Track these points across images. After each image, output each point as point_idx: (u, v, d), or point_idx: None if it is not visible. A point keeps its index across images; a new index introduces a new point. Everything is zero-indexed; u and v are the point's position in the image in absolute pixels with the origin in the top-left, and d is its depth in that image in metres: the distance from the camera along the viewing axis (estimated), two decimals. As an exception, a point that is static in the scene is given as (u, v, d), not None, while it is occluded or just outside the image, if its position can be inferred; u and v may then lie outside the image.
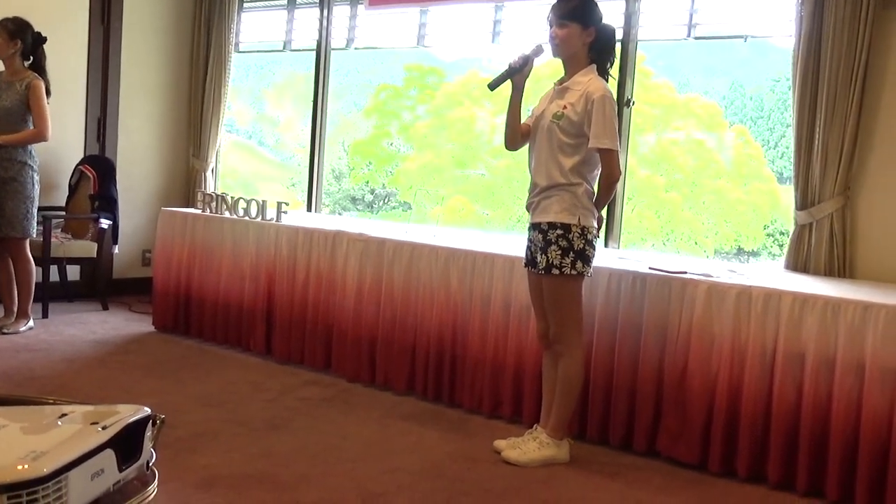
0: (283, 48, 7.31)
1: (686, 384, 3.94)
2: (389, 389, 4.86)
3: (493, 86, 3.90)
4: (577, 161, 3.73)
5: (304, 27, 7.01)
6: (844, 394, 3.57)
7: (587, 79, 3.76)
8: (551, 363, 3.96)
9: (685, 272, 4.05)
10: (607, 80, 3.85)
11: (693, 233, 11.28)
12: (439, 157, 12.34)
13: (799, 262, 4.57)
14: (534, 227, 3.83)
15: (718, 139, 11.79)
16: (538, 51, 3.85)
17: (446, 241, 4.82)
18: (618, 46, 5.23)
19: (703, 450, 3.92)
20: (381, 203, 13.68)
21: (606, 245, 5.34)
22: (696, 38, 5.17)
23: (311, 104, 6.98)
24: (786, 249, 4.71)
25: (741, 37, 5.09)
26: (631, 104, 5.29)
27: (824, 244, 4.46)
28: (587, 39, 3.77)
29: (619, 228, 5.36)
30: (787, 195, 4.77)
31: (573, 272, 3.73)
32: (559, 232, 3.72)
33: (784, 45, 4.72)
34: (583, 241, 3.72)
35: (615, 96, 5.24)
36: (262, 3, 7.42)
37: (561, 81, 3.86)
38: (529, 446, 3.88)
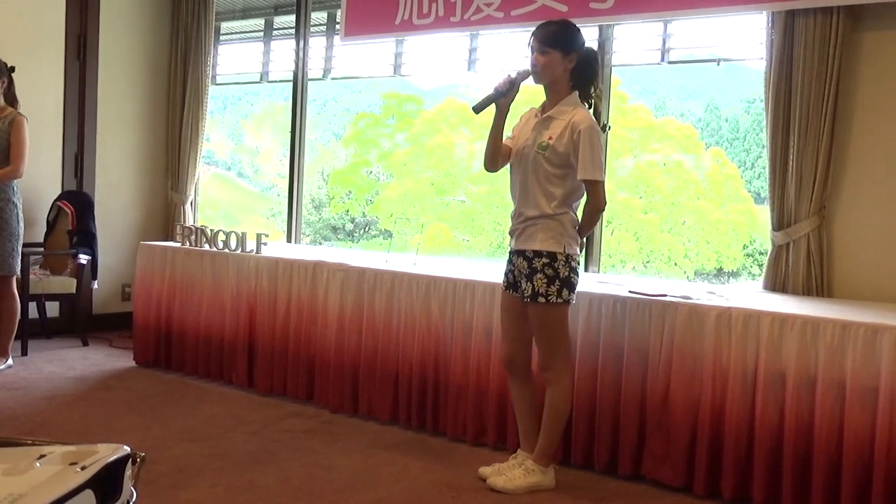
0: (261, 79, 7.34)
1: (669, 407, 3.95)
2: (373, 419, 4.84)
3: (477, 109, 3.89)
4: (565, 192, 3.75)
5: (281, 58, 7.05)
6: (826, 413, 3.59)
7: (571, 108, 3.77)
8: (519, 388, 4.00)
9: (665, 295, 4.07)
10: (591, 105, 3.87)
11: (673, 254, 11.33)
12: (419, 185, 12.36)
13: (777, 283, 4.60)
14: (518, 253, 3.84)
15: (695, 161, 11.87)
16: (524, 75, 3.84)
17: (426, 270, 4.83)
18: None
19: (688, 472, 3.92)
20: (361, 232, 13.67)
21: (586, 269, 5.36)
22: (671, 63, 5.22)
23: (289, 134, 7.00)
24: (764, 270, 4.74)
25: (714, 60, 5.15)
26: (607, 129, 5.33)
27: (802, 264, 4.50)
28: (568, 66, 3.79)
29: (598, 252, 5.38)
30: (765, 215, 4.80)
31: (559, 300, 3.74)
32: (545, 260, 3.73)
33: (758, 65, 4.77)
34: (567, 269, 3.74)
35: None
36: (238, 35, 7.45)
37: (543, 109, 3.86)
38: (515, 473, 3.87)
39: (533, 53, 3.80)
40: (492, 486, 3.84)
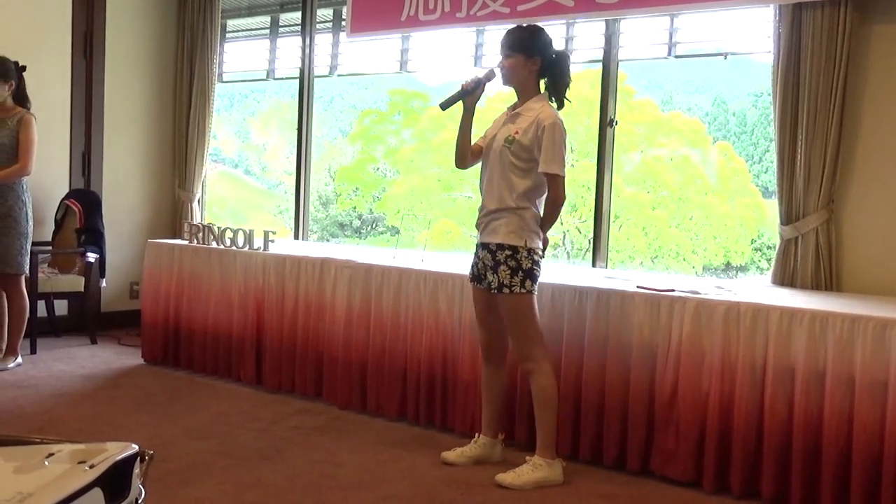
0: (267, 77, 7.33)
1: (677, 402, 3.94)
2: (381, 416, 4.84)
3: (444, 106, 4.09)
4: (528, 185, 3.87)
5: (287, 55, 7.04)
6: (835, 407, 3.58)
7: (539, 105, 3.91)
8: (492, 375, 4.12)
9: (673, 290, 4.06)
10: (563, 106, 3.99)
11: (681, 249, 11.30)
12: (426, 181, 12.35)
13: (786, 277, 4.59)
14: (483, 246, 3.97)
15: (703, 155, 11.83)
16: (490, 75, 4.03)
17: (434, 266, 4.82)
18: (599, 67, 5.34)
19: (696, 468, 3.91)
20: (368, 228, 13.67)
21: (594, 265, 5.35)
22: (677, 57, 5.21)
23: (295, 131, 7.00)
24: (772, 264, 4.72)
25: (721, 54, 5.13)
26: (614, 124, 5.32)
27: (810, 258, 4.48)
28: (532, 68, 3.94)
29: (606, 248, 5.37)
30: (773, 209, 4.79)
31: (522, 290, 3.86)
32: (507, 253, 3.86)
33: (765, 59, 4.76)
34: (530, 262, 3.87)
35: (598, 116, 5.32)
36: (244, 33, 7.45)
37: (513, 107, 4.00)
38: (522, 469, 3.89)
39: (501, 57, 3.99)
40: (500, 483, 3.85)
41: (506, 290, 3.86)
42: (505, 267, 3.85)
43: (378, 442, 4.41)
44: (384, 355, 4.83)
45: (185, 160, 7.25)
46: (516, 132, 3.88)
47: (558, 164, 3.82)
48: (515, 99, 4.03)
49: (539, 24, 5.06)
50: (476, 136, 4.12)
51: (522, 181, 3.87)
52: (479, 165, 4.11)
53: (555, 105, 3.96)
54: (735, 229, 11.32)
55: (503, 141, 3.90)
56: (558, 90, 3.97)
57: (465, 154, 4.10)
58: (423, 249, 5.61)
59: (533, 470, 3.87)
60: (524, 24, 4.11)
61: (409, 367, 4.74)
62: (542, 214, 3.95)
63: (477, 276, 4.02)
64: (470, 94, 3.99)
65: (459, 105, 4.05)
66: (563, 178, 3.87)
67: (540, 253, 3.93)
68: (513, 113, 3.97)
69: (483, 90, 4.03)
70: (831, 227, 4.48)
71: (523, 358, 3.97)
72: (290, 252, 5.42)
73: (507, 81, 4.00)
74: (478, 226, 4.05)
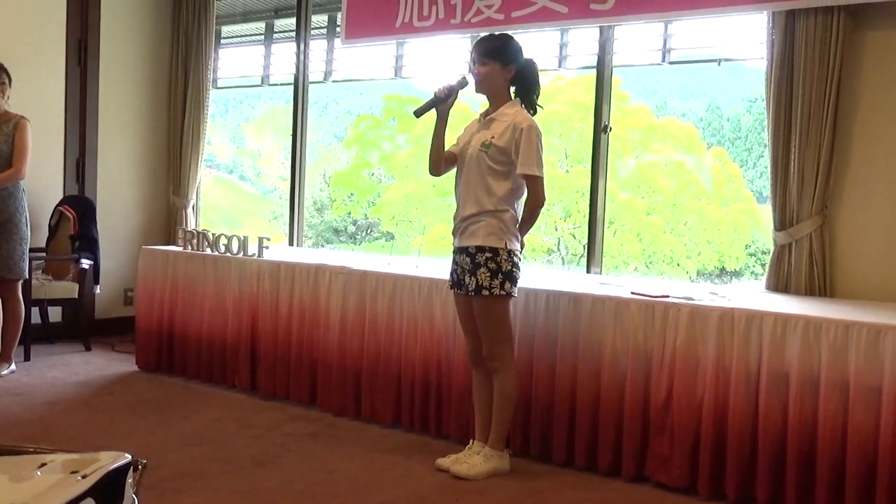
0: (262, 83, 7.35)
1: (672, 408, 3.94)
2: (376, 422, 4.83)
3: (418, 113, 4.14)
4: (507, 188, 3.93)
5: (282, 61, 7.05)
6: (829, 413, 3.58)
7: (513, 111, 3.98)
8: (482, 381, 4.13)
9: (667, 296, 4.06)
10: (535, 113, 4.05)
11: (675, 254, 11.30)
12: (420, 187, 12.33)
13: (779, 283, 4.59)
14: (461, 250, 4.00)
15: (697, 160, 11.85)
16: (463, 82, 4.09)
17: (428, 272, 4.82)
18: (593, 73, 5.35)
19: (691, 473, 3.91)
20: (363, 234, 13.67)
21: (589, 270, 5.36)
22: (671, 63, 5.22)
23: (290, 137, 6.99)
24: (766, 270, 4.73)
25: (715, 60, 5.14)
26: (608, 130, 5.32)
27: (804, 264, 4.48)
28: (507, 76, 4.02)
29: (600, 253, 5.37)
30: (767, 214, 4.80)
31: (502, 293, 3.91)
32: (487, 255, 3.90)
33: (759, 65, 4.77)
34: (510, 264, 3.92)
35: (593, 122, 5.34)
36: (239, 39, 7.46)
37: (486, 114, 4.06)
38: (475, 460, 4.02)
39: (474, 65, 4.04)
40: (455, 474, 3.98)
41: (484, 293, 3.90)
42: (485, 269, 3.89)
43: (373, 449, 4.41)
44: (379, 362, 4.83)
45: (180, 166, 7.24)
46: (492, 137, 3.94)
47: (537, 166, 3.89)
48: (488, 105, 4.10)
49: (535, 30, 5.12)
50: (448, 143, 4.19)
51: (501, 184, 3.93)
52: (453, 172, 4.15)
53: (531, 112, 4.02)
54: (729, 234, 11.32)
55: (479, 146, 3.96)
56: (529, 97, 4.04)
57: (439, 161, 4.15)
58: (417, 255, 5.61)
59: (485, 461, 4.01)
60: (495, 33, 4.19)
61: (404, 373, 4.74)
62: (520, 217, 4.01)
63: (457, 282, 4.06)
64: (443, 102, 4.06)
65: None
66: (542, 179, 3.94)
67: (519, 255, 3.98)
68: (487, 119, 4.03)
69: (456, 97, 4.09)
70: (825, 233, 4.49)
71: (491, 356, 4.02)
72: (284, 258, 5.42)
73: (480, 89, 4.06)
74: (454, 232, 4.09)
